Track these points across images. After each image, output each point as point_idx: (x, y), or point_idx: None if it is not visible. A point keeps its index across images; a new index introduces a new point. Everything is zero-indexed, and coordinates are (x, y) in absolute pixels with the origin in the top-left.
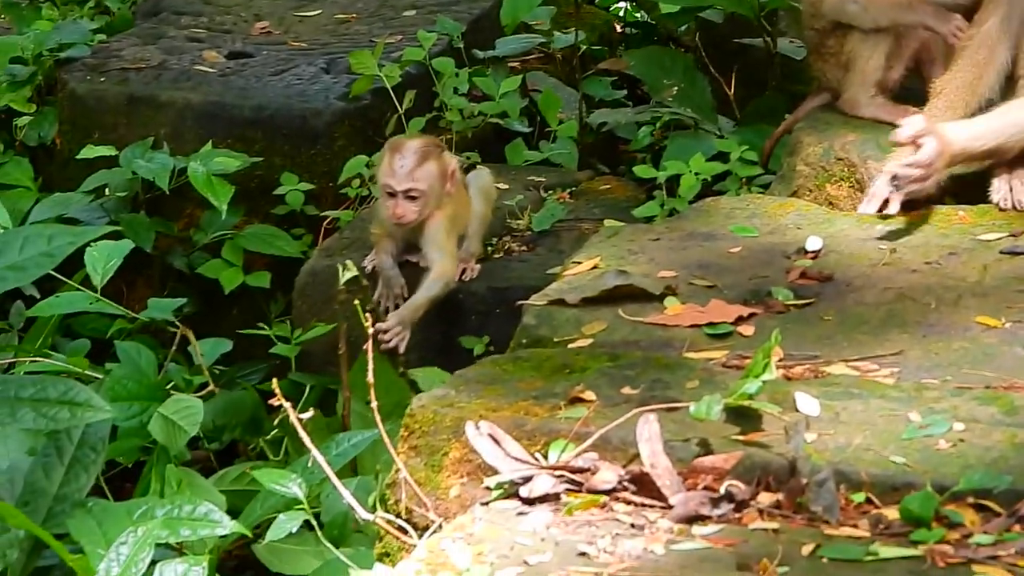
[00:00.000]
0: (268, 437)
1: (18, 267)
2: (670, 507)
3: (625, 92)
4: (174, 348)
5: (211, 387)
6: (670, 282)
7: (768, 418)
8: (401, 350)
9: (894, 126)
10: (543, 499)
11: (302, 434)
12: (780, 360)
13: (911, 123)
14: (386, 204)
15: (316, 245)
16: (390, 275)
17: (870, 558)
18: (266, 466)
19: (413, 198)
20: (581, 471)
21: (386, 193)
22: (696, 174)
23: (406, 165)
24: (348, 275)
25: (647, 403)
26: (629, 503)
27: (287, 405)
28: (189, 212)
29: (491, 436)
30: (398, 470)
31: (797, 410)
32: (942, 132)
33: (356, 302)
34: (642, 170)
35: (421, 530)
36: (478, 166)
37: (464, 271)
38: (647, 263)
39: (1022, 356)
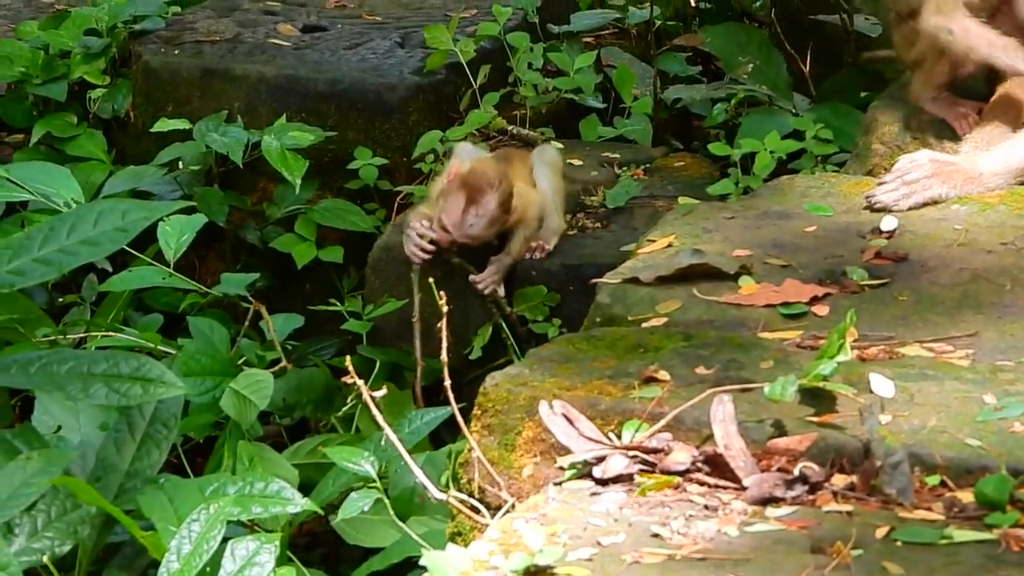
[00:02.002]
0: (339, 414)
1: (92, 242)
2: (744, 488)
3: (700, 68)
4: (247, 323)
5: (283, 363)
6: (745, 261)
7: (842, 399)
8: (501, 293)
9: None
10: (616, 479)
11: (375, 413)
12: (855, 341)
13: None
14: (437, 231)
15: (389, 220)
16: (420, 230)
17: (944, 541)
18: (337, 442)
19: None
20: (655, 451)
21: (441, 227)
22: (771, 152)
23: (475, 226)
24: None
25: (721, 383)
26: (703, 484)
27: (361, 383)
28: (262, 186)
29: (565, 415)
30: (471, 449)
31: (871, 391)
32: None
33: (431, 280)
34: (717, 147)
35: (494, 510)
36: (543, 143)
37: (535, 249)
38: (722, 241)
39: None
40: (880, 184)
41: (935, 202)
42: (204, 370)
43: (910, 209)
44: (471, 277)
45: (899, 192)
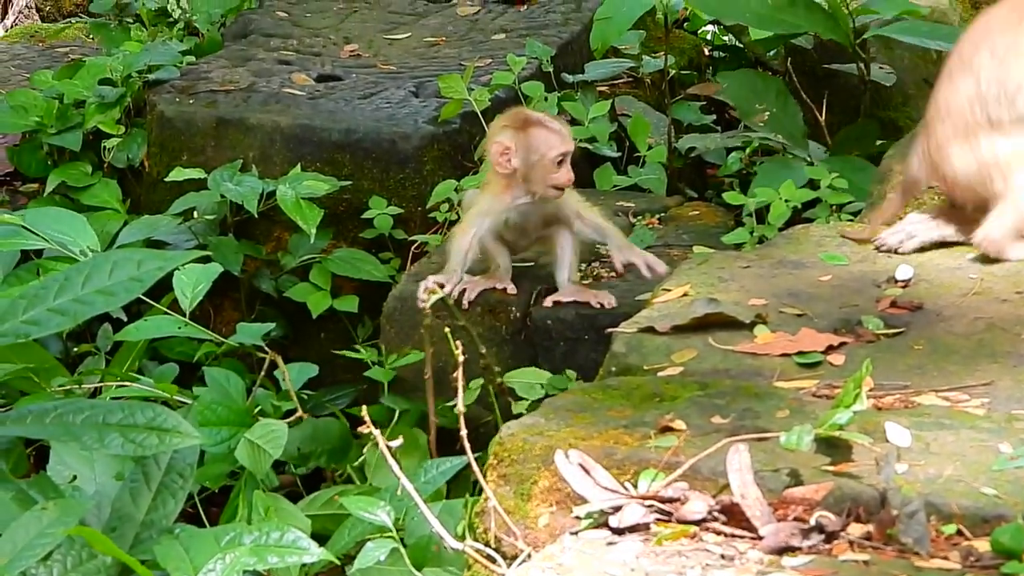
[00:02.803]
0: (355, 464)
1: (107, 291)
2: (760, 538)
3: (714, 117)
4: (262, 373)
5: (299, 412)
6: (760, 310)
7: (859, 448)
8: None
9: None
10: (633, 529)
11: (390, 462)
12: (870, 390)
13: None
14: (556, 174)
15: (404, 269)
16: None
17: None
18: (353, 492)
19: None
20: (671, 501)
21: (556, 162)
22: (786, 201)
23: (564, 126)
24: (434, 297)
25: (737, 433)
26: (719, 533)
27: (376, 432)
28: (277, 235)
29: (581, 465)
30: (487, 498)
31: (888, 441)
32: None
33: (447, 329)
34: (731, 196)
35: (510, 559)
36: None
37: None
38: (737, 291)
39: None
40: (889, 229)
41: (944, 243)
42: (220, 420)
43: (916, 251)
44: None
45: (903, 233)
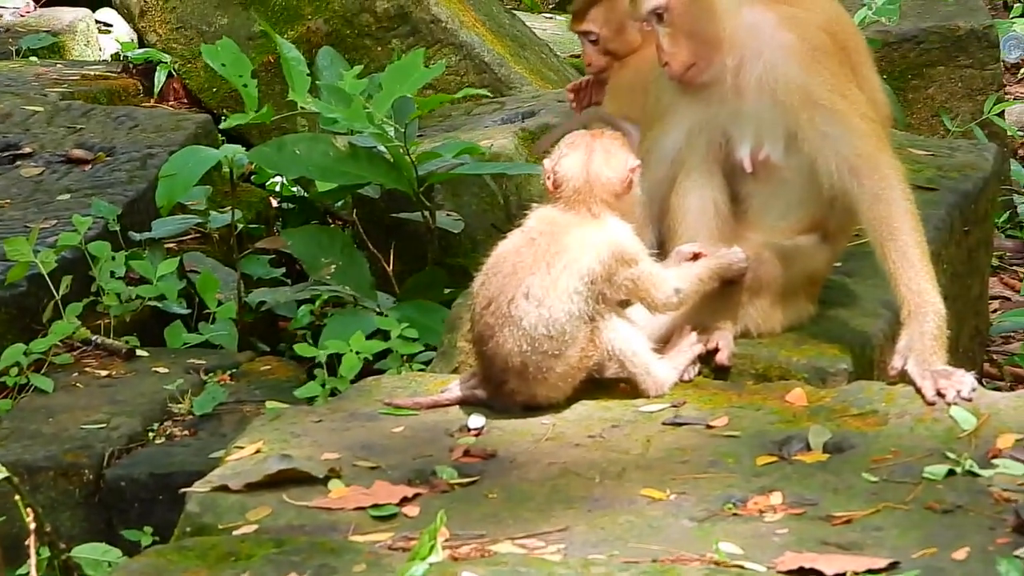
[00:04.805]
0: None
1: None
2: None
3: (284, 270)
4: None
5: None
6: (334, 464)
7: None
8: None
9: None
10: None
11: None
12: (446, 541)
13: None
14: None
15: None
16: None
17: None
18: None
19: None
20: None
21: None
22: (357, 352)
23: None
24: None
25: None
26: None
27: None
28: None
29: None
30: None
31: None
32: None
33: (17, 498)
34: (302, 349)
35: None
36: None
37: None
38: (310, 445)
39: (687, 528)
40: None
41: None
42: None
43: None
44: None
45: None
